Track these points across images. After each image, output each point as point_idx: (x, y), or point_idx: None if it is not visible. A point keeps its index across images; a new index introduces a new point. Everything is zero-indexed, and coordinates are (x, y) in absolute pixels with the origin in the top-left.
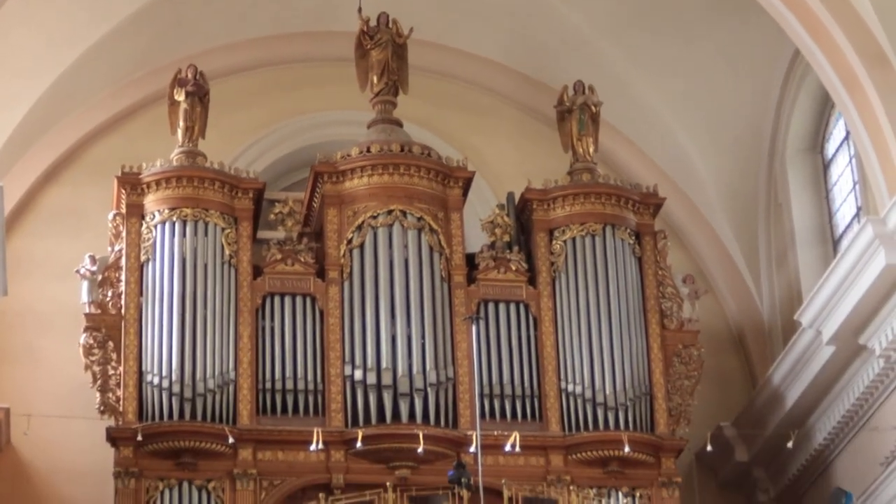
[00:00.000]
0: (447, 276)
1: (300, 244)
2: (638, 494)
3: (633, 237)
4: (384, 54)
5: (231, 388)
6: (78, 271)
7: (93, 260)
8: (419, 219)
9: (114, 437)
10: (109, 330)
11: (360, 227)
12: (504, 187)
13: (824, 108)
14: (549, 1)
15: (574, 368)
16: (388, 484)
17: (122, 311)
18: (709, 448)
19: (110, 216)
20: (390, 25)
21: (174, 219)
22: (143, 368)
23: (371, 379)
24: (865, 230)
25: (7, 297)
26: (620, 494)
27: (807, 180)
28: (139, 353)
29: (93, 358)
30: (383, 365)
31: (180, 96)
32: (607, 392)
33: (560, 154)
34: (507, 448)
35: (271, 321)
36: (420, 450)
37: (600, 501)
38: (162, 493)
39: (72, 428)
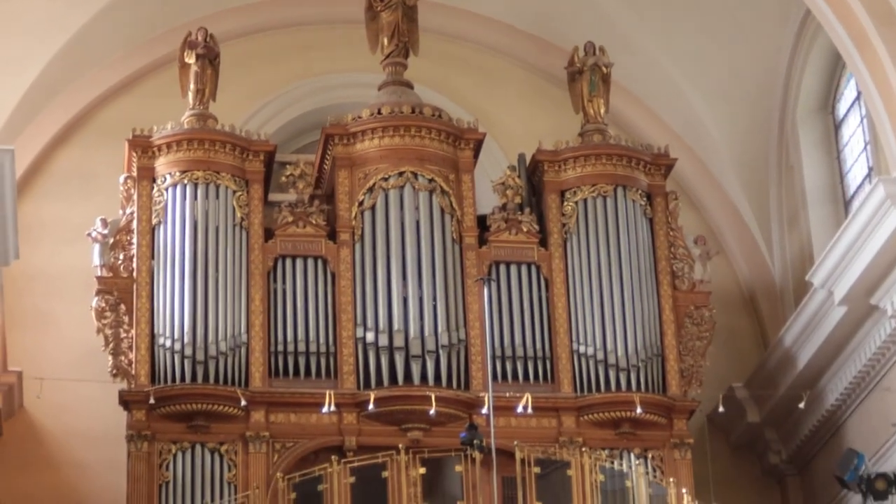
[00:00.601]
0: (458, 237)
1: (311, 206)
2: (650, 456)
3: (645, 198)
4: (394, 16)
5: (243, 350)
6: (89, 234)
7: (104, 223)
8: (430, 180)
9: (126, 401)
10: (121, 293)
11: (371, 189)
12: (515, 149)
13: (835, 68)
14: None
15: (586, 330)
16: (400, 446)
17: (134, 274)
18: (720, 409)
19: (121, 179)
20: None
21: (185, 181)
22: (156, 331)
23: (383, 341)
24: (877, 190)
25: (18, 261)
26: (632, 456)
27: (818, 140)
28: (151, 316)
29: (105, 321)
30: (395, 327)
31: (191, 59)
32: (619, 353)
33: (571, 115)
34: (519, 410)
35: (283, 284)
36: (432, 412)
37: (612, 463)
38: (174, 455)
39: (84, 391)
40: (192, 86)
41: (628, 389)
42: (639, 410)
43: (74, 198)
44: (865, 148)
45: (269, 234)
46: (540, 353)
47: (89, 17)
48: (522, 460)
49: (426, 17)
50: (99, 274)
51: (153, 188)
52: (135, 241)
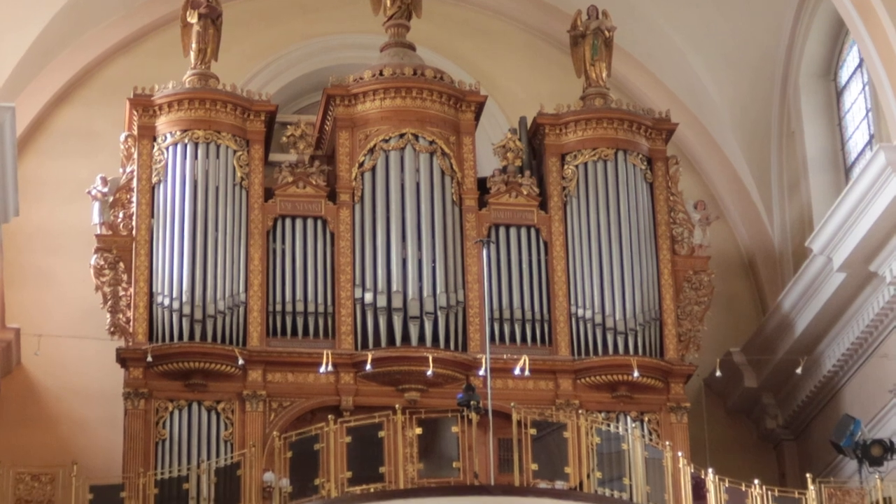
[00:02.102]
0: (458, 199)
1: (312, 167)
2: (646, 419)
3: (645, 163)
4: None
5: (241, 309)
6: (89, 192)
7: (104, 181)
8: (431, 142)
9: (124, 358)
10: (120, 251)
11: (371, 151)
12: (516, 112)
13: (838, 34)
14: None
15: (584, 293)
16: (397, 406)
17: (134, 232)
18: (718, 374)
19: (122, 137)
20: None
21: (186, 141)
22: (154, 290)
23: (381, 302)
24: (878, 157)
25: (18, 218)
26: (629, 419)
27: (820, 107)
28: (150, 275)
29: (103, 279)
30: (394, 288)
31: (193, 18)
32: (617, 317)
33: (573, 79)
34: (517, 372)
35: (282, 243)
36: (429, 373)
37: (608, 425)
38: (171, 413)
39: (82, 348)
40: (193, 45)
41: (626, 353)
42: (636, 374)
43: (75, 156)
44: (867, 115)
45: (269, 193)
46: (538, 316)
47: None
48: (519, 422)
49: None
50: (98, 232)
51: (154, 147)
52: (135, 199)
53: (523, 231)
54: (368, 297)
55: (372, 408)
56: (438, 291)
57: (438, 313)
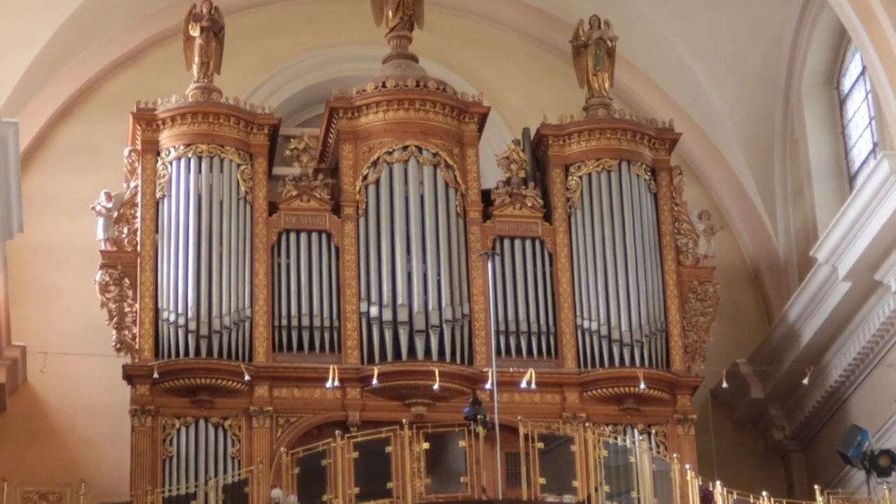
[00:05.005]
0: (463, 212)
1: (315, 180)
2: (653, 431)
3: (649, 173)
4: None
5: (247, 325)
6: (93, 208)
7: (108, 196)
8: (435, 154)
9: (130, 375)
10: (125, 267)
11: (375, 163)
12: (519, 123)
13: (840, 43)
14: None
15: (589, 305)
16: (403, 421)
17: (138, 247)
18: (724, 385)
19: (126, 152)
20: None
21: (189, 155)
22: (159, 306)
23: (387, 315)
24: (881, 165)
25: (23, 234)
26: (636, 431)
27: (823, 115)
28: (155, 291)
29: (109, 295)
30: (399, 301)
31: (195, 31)
32: (623, 329)
33: (576, 89)
34: (523, 385)
35: (287, 258)
36: (436, 387)
37: (615, 438)
38: (178, 430)
39: (88, 365)
40: (196, 59)
41: (632, 365)
42: (642, 386)
43: (78, 171)
44: (870, 123)
45: (273, 207)
46: (544, 329)
47: None
48: (526, 436)
49: None
50: (103, 248)
51: (157, 161)
52: (139, 214)
53: (528, 243)
54: (374, 310)
55: (379, 423)
56: (444, 304)
57: (444, 326)
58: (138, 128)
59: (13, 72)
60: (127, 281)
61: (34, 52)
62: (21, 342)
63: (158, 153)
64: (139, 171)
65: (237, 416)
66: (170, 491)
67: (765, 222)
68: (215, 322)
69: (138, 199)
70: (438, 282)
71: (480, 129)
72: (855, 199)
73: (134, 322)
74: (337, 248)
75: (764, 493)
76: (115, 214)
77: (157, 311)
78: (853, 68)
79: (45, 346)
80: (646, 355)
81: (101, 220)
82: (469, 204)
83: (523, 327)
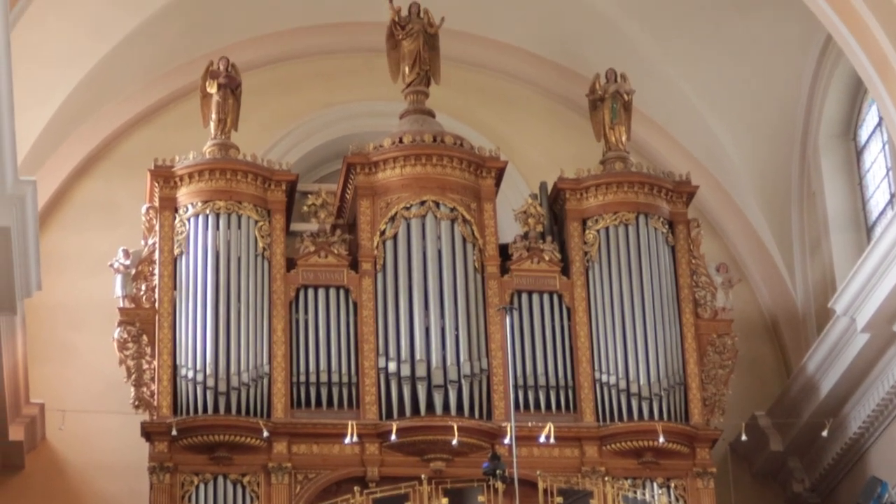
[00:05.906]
0: (480, 266)
1: (333, 236)
2: (673, 485)
3: (667, 226)
4: (416, 44)
5: (265, 381)
6: (111, 265)
7: (126, 254)
8: (452, 209)
9: (148, 432)
10: (143, 324)
11: (393, 219)
12: (536, 177)
13: (857, 94)
14: None
15: (608, 359)
16: (422, 476)
17: (156, 304)
18: (743, 438)
19: (143, 209)
20: (421, 15)
21: (207, 212)
22: (178, 362)
23: (405, 371)
24: None
25: (41, 292)
26: (655, 485)
27: (840, 167)
28: (173, 348)
29: (127, 352)
30: (417, 357)
31: (212, 88)
32: (641, 382)
33: (593, 143)
34: (542, 439)
35: (305, 314)
36: (454, 442)
37: (635, 492)
38: (197, 487)
39: (106, 423)
40: (213, 115)
41: (651, 418)
42: (661, 440)
43: (96, 229)
44: (887, 174)
45: (291, 263)
46: (562, 383)
47: (111, 48)
48: (545, 490)
49: (447, 46)
50: (121, 305)
51: (175, 218)
52: (157, 271)
53: (546, 297)
54: (392, 366)
55: (397, 478)
56: (462, 359)
57: (462, 381)
58: (156, 185)
59: (31, 130)
60: (145, 338)
61: (52, 111)
62: (39, 400)
63: (176, 210)
64: (157, 228)
65: (256, 473)
66: None
67: (782, 274)
68: (233, 378)
69: (156, 256)
70: (457, 336)
71: (498, 184)
72: (873, 251)
73: (152, 379)
74: (355, 304)
75: None
76: (133, 272)
77: (175, 367)
78: (870, 119)
79: (64, 403)
80: (664, 409)
81: (119, 278)
82: (487, 258)
83: (542, 381)
